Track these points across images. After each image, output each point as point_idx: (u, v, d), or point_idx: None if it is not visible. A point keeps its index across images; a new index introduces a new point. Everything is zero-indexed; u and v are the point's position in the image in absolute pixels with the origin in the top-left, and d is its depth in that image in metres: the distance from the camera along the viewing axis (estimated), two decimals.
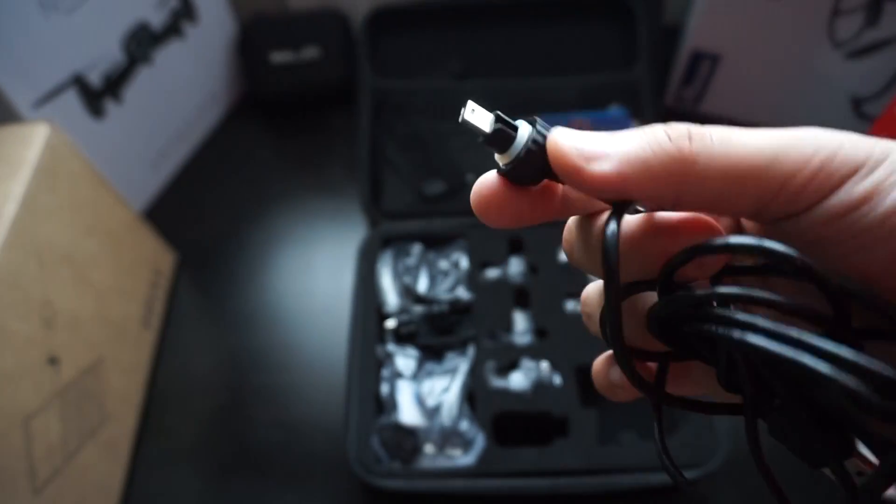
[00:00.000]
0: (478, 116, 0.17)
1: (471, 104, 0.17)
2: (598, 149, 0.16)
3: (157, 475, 0.52)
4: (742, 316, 0.15)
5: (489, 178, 0.18)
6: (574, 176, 0.16)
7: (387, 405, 0.50)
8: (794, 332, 0.14)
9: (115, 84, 0.58)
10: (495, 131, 0.17)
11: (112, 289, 0.52)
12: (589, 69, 0.65)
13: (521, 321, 0.54)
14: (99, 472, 0.48)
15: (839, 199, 0.15)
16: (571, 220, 0.20)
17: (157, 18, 0.60)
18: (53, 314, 0.44)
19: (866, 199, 0.15)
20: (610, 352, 0.21)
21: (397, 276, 0.56)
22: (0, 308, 0.40)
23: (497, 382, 0.51)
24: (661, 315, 0.17)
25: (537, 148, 0.17)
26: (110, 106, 0.58)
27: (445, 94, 0.66)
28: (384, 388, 0.50)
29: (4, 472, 0.39)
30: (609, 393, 0.21)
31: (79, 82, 0.54)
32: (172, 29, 0.62)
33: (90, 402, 0.48)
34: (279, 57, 0.69)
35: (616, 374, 0.21)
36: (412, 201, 0.61)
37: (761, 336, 0.14)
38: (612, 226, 0.16)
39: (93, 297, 0.49)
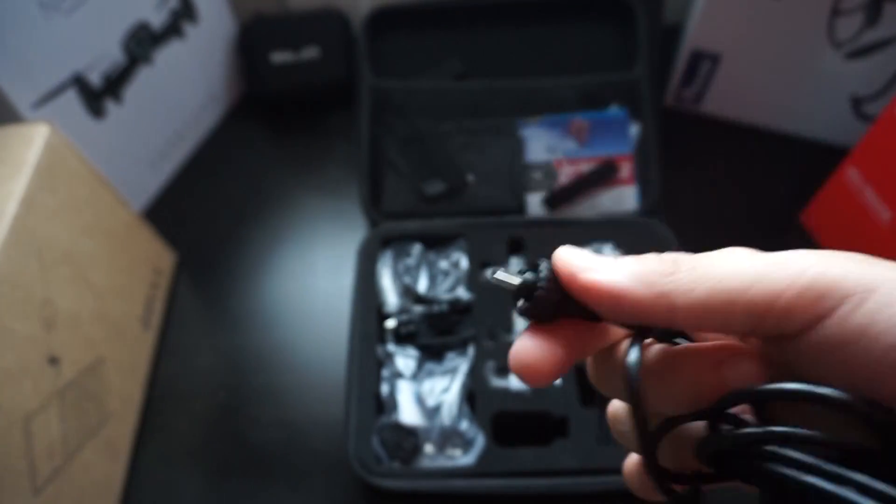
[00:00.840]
0: (504, 277, 0.19)
1: (500, 272, 0.20)
2: (592, 263, 0.19)
3: (157, 475, 0.52)
4: (804, 457, 0.15)
5: (521, 341, 0.20)
6: (572, 281, 0.18)
7: (387, 405, 0.50)
8: (859, 477, 0.14)
9: (115, 84, 0.58)
10: (523, 283, 0.19)
11: (112, 289, 0.52)
12: (589, 69, 0.65)
13: (521, 321, 0.54)
14: (99, 472, 0.48)
15: (833, 329, 0.15)
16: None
17: (157, 18, 0.60)
18: (53, 314, 0.44)
19: (861, 332, 0.15)
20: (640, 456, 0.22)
21: (397, 276, 0.56)
22: (0, 308, 0.40)
23: (497, 382, 0.51)
24: (715, 451, 0.18)
25: (549, 278, 0.19)
26: (110, 106, 0.58)
27: (445, 94, 0.66)
28: (384, 388, 0.50)
29: (4, 472, 0.39)
30: (644, 495, 0.23)
31: (79, 82, 0.54)
32: (172, 29, 0.62)
33: (90, 402, 0.48)
34: (279, 57, 0.69)
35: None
36: (412, 201, 0.61)
37: (822, 479, 0.15)
38: (633, 355, 0.17)
39: (93, 297, 0.49)
